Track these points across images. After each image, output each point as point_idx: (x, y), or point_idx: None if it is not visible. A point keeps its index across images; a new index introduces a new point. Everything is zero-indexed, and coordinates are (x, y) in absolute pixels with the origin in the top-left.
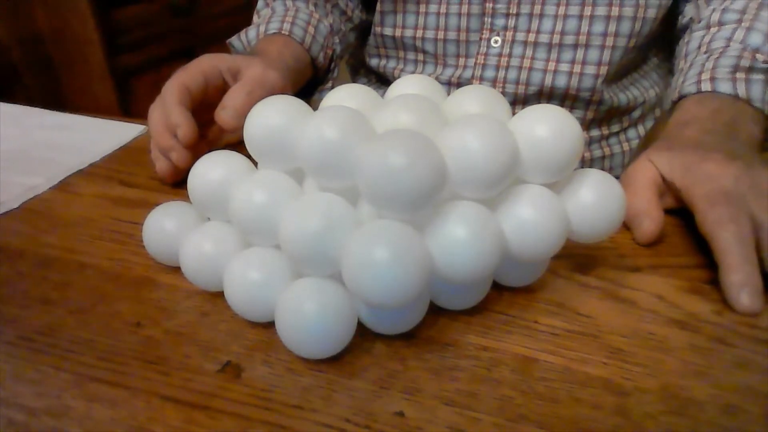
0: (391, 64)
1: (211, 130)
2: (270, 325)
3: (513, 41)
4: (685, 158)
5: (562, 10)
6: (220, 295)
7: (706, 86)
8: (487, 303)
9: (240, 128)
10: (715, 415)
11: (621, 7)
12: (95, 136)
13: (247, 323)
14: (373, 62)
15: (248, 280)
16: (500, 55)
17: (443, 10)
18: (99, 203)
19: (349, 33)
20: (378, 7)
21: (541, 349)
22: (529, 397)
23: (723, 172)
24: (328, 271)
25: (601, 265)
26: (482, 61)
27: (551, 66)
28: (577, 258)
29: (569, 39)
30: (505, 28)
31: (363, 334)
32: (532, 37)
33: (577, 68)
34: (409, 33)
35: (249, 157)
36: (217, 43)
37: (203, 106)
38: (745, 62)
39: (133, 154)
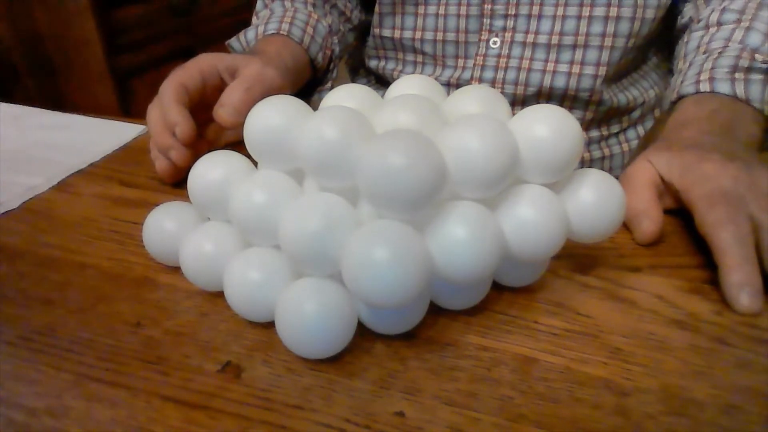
0: (390, 65)
1: (210, 130)
2: (270, 325)
3: (512, 42)
4: (683, 159)
5: (560, 10)
6: (220, 295)
7: (704, 86)
8: (487, 303)
9: (239, 125)
10: (715, 415)
11: (619, 7)
12: (95, 136)
13: (247, 323)
14: (372, 63)
15: (248, 280)
16: (499, 56)
17: (442, 11)
18: (99, 203)
19: (348, 34)
20: (377, 8)
21: (541, 349)
22: (529, 397)
23: (722, 172)
24: (328, 271)
25: (601, 265)
26: (481, 62)
27: (550, 66)
28: (577, 258)
29: (568, 39)
30: (504, 29)
31: (363, 334)
32: (530, 38)
33: (576, 69)
34: (407, 34)
35: (249, 157)
36: (217, 43)
37: (201, 105)
38: (744, 62)
39: (132, 154)
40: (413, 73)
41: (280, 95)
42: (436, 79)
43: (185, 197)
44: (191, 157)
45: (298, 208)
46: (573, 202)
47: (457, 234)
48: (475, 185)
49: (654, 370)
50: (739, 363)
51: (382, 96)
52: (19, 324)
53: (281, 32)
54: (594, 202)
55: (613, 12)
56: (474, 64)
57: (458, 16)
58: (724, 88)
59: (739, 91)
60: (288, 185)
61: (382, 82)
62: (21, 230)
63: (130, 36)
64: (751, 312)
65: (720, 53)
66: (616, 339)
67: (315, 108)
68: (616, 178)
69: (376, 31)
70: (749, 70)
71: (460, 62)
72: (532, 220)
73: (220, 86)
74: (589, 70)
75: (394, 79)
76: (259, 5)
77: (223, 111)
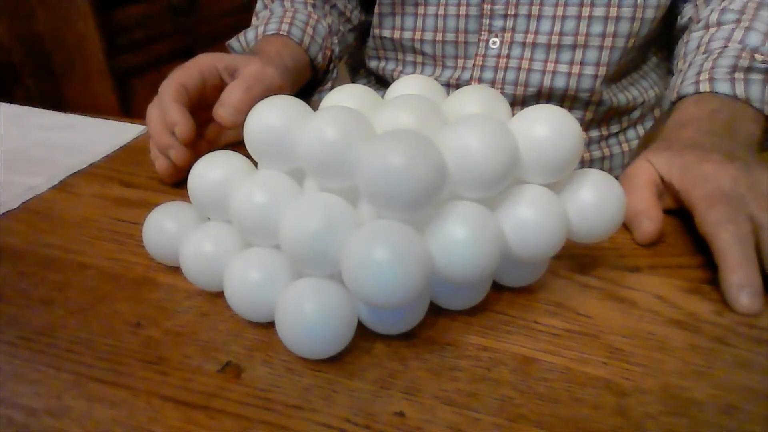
0: (390, 65)
1: (210, 129)
2: (270, 325)
3: (511, 42)
4: (683, 159)
5: (560, 11)
6: (220, 295)
7: (704, 86)
8: (487, 303)
9: (239, 125)
10: (715, 415)
11: (619, 7)
12: (95, 136)
13: (247, 323)
14: (372, 64)
15: (248, 280)
16: (499, 56)
17: (441, 12)
18: (99, 203)
19: (348, 34)
20: (376, 9)
21: (541, 349)
22: (529, 397)
23: (721, 172)
24: (328, 271)
25: (601, 265)
26: (481, 63)
27: (550, 67)
28: (577, 258)
29: (568, 40)
30: (504, 29)
31: (363, 334)
32: (530, 38)
33: (575, 69)
34: (407, 35)
35: (249, 157)
36: (217, 43)
37: (201, 105)
38: (744, 62)
39: (132, 154)
40: (413, 73)
41: (280, 95)
42: (435, 79)
43: (185, 197)
44: (191, 157)
45: (298, 208)
46: (573, 202)
47: (457, 234)
48: (475, 185)
49: (654, 370)
50: (739, 363)
51: (382, 96)
52: (19, 324)
53: (281, 32)
54: (594, 202)
55: (613, 12)
56: (474, 65)
57: (458, 16)
58: (723, 88)
59: (739, 91)
60: (288, 185)
61: (382, 82)
62: (21, 230)
63: (130, 36)
64: (751, 312)
65: (720, 53)
66: (616, 339)
67: (315, 108)
68: (616, 178)
69: (376, 31)
70: (749, 70)
71: (460, 63)
72: (532, 220)
73: (220, 86)
74: (588, 70)
75: (394, 80)
76: (259, 6)
77: (223, 110)
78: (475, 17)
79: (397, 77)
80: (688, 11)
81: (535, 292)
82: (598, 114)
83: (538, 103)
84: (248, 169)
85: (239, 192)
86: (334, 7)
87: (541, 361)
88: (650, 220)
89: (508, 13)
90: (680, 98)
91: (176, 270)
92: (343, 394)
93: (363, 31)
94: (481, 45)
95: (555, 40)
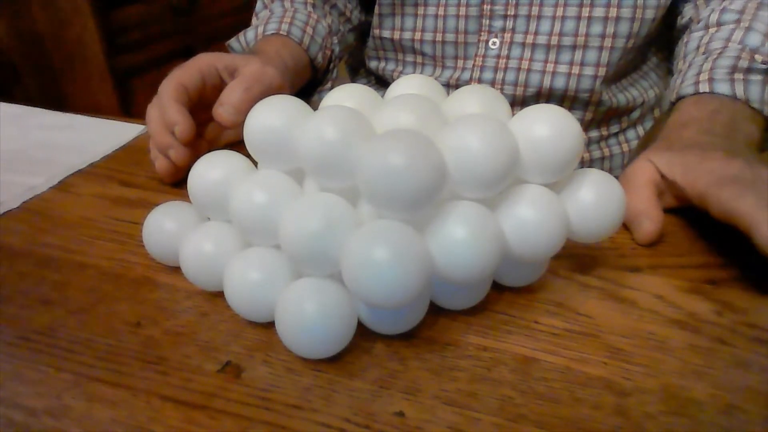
0: (390, 66)
1: (210, 129)
2: (270, 325)
3: (511, 43)
4: (684, 158)
5: (560, 11)
6: (220, 295)
7: (704, 87)
8: (487, 303)
9: (238, 125)
10: (715, 415)
11: (619, 8)
12: (95, 136)
13: (247, 323)
14: (372, 64)
15: (248, 280)
16: (498, 56)
17: (441, 12)
18: (99, 203)
19: (348, 34)
20: (376, 9)
21: (541, 349)
22: (529, 397)
23: (726, 165)
24: (328, 271)
25: (601, 265)
26: (480, 63)
27: (550, 67)
28: (577, 258)
29: (567, 40)
30: (503, 29)
31: (363, 334)
32: (530, 39)
33: (575, 69)
34: (407, 35)
35: (249, 157)
36: (217, 43)
37: (201, 104)
38: (744, 63)
39: (132, 154)
40: (413, 73)
41: (280, 95)
42: (435, 80)
43: (185, 197)
44: (191, 157)
45: (298, 208)
46: (573, 202)
47: (457, 234)
48: (475, 185)
49: (654, 370)
50: (739, 363)
51: (382, 96)
52: (19, 324)
53: (281, 32)
54: (594, 202)
55: (613, 13)
56: (473, 65)
57: (457, 17)
58: (723, 88)
59: (739, 91)
60: (288, 185)
61: (382, 82)
62: (21, 230)
63: (130, 36)
64: None
65: (719, 54)
66: (616, 339)
67: (315, 108)
68: (616, 178)
69: (376, 32)
70: (749, 70)
71: (460, 63)
72: (532, 220)
73: (220, 86)
74: (588, 70)
75: (394, 80)
76: (258, 6)
77: (223, 110)
78: (475, 18)
79: (397, 77)
80: (688, 11)
81: (535, 292)
82: (597, 114)
83: (538, 104)
84: (248, 169)
85: (239, 192)
86: (334, 7)
87: (541, 361)
88: (650, 220)
89: (508, 13)
90: (680, 99)
91: (176, 270)
92: (343, 394)
93: (363, 31)
94: (480, 45)
95: (555, 40)
